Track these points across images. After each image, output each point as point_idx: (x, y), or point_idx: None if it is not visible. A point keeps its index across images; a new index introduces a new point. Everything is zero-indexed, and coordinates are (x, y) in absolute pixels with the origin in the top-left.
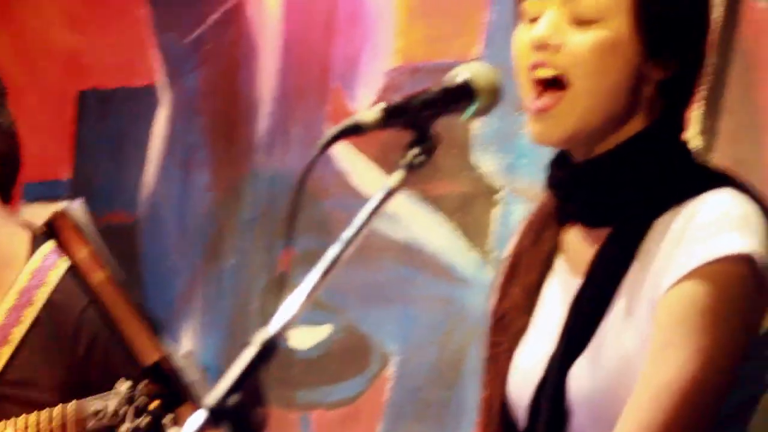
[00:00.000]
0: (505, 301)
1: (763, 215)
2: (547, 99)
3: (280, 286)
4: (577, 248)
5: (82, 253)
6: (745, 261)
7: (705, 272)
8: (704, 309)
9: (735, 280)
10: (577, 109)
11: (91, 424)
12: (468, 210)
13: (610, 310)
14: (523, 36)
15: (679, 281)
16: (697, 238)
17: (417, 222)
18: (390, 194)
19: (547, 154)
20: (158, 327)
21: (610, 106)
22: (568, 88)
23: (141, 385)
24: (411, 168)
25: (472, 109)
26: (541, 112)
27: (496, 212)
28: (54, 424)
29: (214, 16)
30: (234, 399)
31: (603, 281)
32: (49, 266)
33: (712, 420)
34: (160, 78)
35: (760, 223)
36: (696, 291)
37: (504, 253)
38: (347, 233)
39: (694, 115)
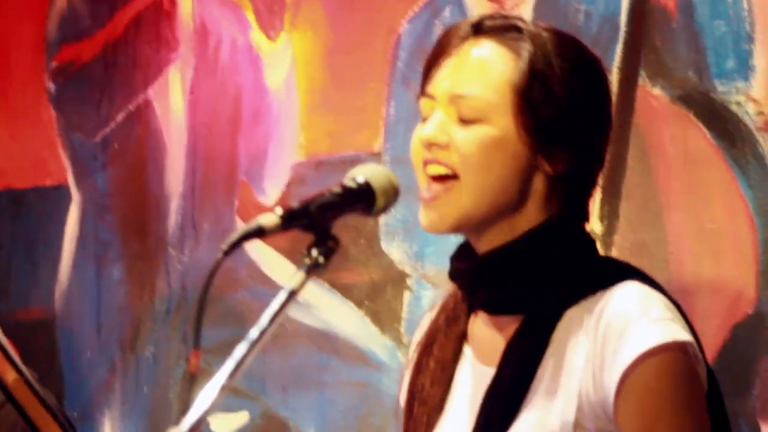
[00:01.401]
0: (422, 375)
1: (671, 305)
2: (435, 188)
3: (190, 386)
4: (485, 336)
5: None
6: (680, 346)
7: (652, 361)
8: (667, 396)
9: (683, 362)
10: (463, 200)
11: None
12: (378, 297)
13: (527, 401)
14: (417, 134)
15: (628, 372)
16: (624, 331)
17: (329, 310)
18: (291, 296)
19: (453, 241)
20: (72, 427)
21: (497, 198)
22: (458, 180)
23: None
24: (311, 269)
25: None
26: (430, 201)
27: (405, 299)
28: None
29: (120, 117)
30: None
31: (517, 372)
32: None
33: None
34: (70, 177)
35: (675, 312)
36: (650, 380)
37: (417, 332)
38: (252, 333)
39: (594, 201)
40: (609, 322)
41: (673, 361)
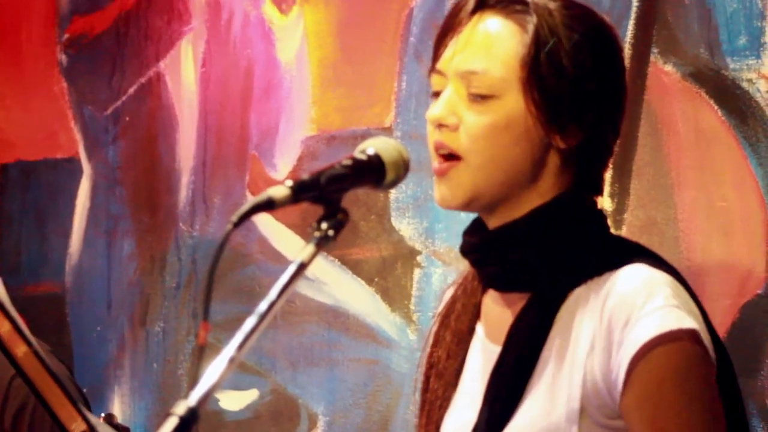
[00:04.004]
0: (439, 347)
1: (680, 288)
2: (445, 164)
3: (199, 359)
4: (494, 313)
5: (4, 327)
6: (685, 334)
7: (658, 350)
8: (673, 386)
9: (688, 349)
10: (470, 177)
11: None
12: (388, 274)
13: (533, 381)
14: (428, 114)
15: (634, 362)
16: (629, 319)
17: (339, 286)
18: (302, 269)
19: (463, 218)
20: (83, 398)
21: (507, 177)
22: (462, 160)
23: None
24: (321, 242)
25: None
26: (440, 175)
27: (415, 276)
28: None
29: (131, 90)
30: None
31: (522, 352)
32: None
33: None
34: (81, 150)
35: (682, 297)
36: (656, 370)
37: (441, 304)
38: (262, 306)
39: (605, 178)
40: (613, 308)
41: (677, 350)
